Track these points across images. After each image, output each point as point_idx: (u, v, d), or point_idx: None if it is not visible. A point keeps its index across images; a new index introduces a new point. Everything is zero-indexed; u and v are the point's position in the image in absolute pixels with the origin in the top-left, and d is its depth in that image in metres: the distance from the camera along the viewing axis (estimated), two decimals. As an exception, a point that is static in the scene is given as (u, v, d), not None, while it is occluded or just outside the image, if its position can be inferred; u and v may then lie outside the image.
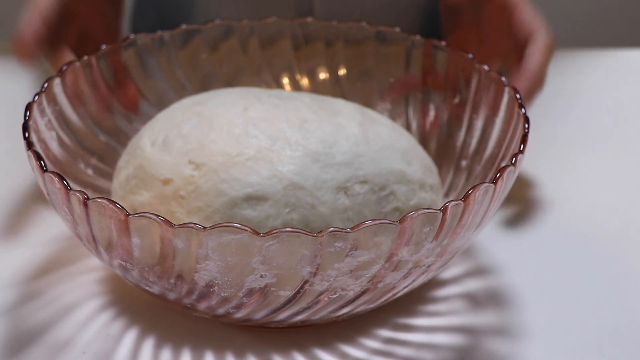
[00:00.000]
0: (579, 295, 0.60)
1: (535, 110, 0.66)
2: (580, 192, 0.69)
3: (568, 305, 0.59)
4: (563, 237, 0.64)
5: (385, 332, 0.56)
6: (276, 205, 0.53)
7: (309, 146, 0.56)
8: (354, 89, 0.69)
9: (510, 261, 0.62)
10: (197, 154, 0.55)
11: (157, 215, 0.47)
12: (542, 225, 0.65)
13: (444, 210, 0.48)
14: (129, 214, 0.47)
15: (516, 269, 0.61)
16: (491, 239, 0.63)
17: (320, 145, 0.56)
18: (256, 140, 0.56)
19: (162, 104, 0.67)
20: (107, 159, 0.63)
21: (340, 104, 0.61)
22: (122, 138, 0.64)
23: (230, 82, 0.69)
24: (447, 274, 0.60)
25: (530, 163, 0.68)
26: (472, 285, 0.60)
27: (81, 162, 0.61)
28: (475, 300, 0.59)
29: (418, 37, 0.66)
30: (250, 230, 0.46)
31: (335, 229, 0.47)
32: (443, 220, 0.48)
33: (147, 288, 0.52)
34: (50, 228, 0.63)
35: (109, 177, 0.63)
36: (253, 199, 0.54)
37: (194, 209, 0.54)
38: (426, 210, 0.48)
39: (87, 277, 0.60)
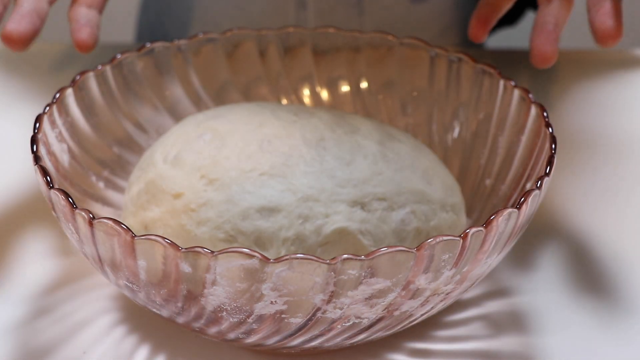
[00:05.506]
0: (606, 318, 0.57)
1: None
2: (606, 210, 0.66)
3: (595, 329, 0.56)
4: (589, 256, 0.61)
5: (401, 359, 0.54)
6: (289, 216, 0.52)
7: (324, 163, 0.54)
8: (375, 101, 0.67)
9: (534, 281, 0.59)
10: (209, 170, 0.54)
11: (164, 238, 0.45)
12: (566, 243, 0.62)
13: (464, 237, 0.46)
14: (135, 236, 0.46)
15: (540, 290, 0.59)
16: (513, 257, 0.60)
17: (337, 163, 0.54)
18: (270, 156, 0.54)
19: (177, 113, 0.65)
20: (120, 172, 0.62)
21: (359, 121, 0.59)
22: (135, 150, 0.63)
23: (247, 92, 0.67)
24: (466, 295, 0.58)
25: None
26: (492, 307, 0.57)
27: (93, 174, 0.60)
28: (496, 324, 0.56)
29: (442, 49, 0.64)
30: (260, 256, 0.44)
31: (349, 255, 0.44)
32: (463, 247, 0.46)
33: (154, 310, 0.50)
34: (62, 242, 0.61)
35: (121, 190, 0.61)
36: (266, 210, 0.52)
37: (204, 219, 0.53)
38: (445, 237, 0.45)
39: (98, 293, 0.58)
